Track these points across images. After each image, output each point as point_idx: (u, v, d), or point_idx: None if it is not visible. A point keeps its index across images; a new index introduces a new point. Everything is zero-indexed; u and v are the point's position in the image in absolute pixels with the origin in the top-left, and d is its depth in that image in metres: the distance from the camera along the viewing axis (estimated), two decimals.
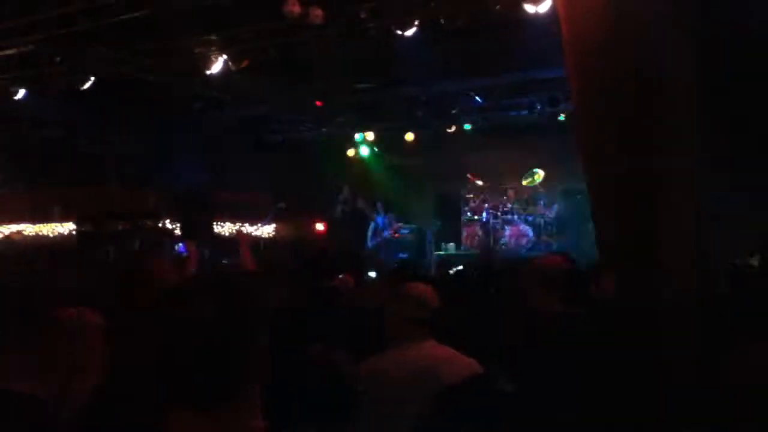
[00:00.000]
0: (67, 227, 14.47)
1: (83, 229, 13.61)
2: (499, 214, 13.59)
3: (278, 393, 1.87)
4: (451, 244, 14.12)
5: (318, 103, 13.73)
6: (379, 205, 14.29)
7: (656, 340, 3.00)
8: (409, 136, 14.73)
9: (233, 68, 9.35)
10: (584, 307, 2.99)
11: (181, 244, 8.59)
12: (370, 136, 15.06)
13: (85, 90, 10.09)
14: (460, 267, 8.08)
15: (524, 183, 13.88)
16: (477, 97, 13.45)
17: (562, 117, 12.92)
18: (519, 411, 1.16)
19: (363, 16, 8.09)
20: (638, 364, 2.66)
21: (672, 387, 2.88)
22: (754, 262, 6.99)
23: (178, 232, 13.48)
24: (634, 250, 3.39)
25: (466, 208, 14.03)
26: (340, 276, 5.14)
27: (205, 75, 9.55)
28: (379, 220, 14.06)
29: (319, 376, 1.98)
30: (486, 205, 13.73)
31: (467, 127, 14.13)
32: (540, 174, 13.70)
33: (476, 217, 13.86)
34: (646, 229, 3.40)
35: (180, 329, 1.23)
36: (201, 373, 1.21)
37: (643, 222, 3.43)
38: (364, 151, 15.49)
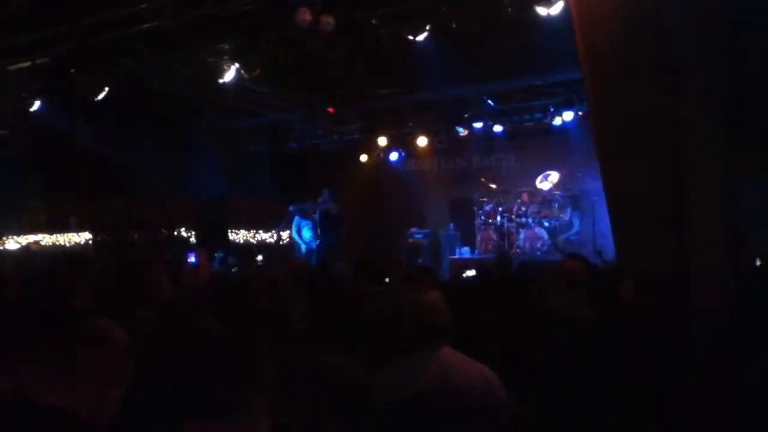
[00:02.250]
0: (84, 237, 14.57)
1: (99, 238, 13.70)
2: (513, 217, 13.51)
3: (291, 402, 1.86)
4: (466, 248, 14.06)
5: (330, 109, 13.75)
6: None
7: (688, 344, 2.95)
8: (423, 141, 14.72)
9: (246, 77, 9.38)
10: (614, 311, 2.93)
11: (193, 255, 8.56)
12: (383, 141, 15.05)
13: (101, 101, 10.17)
14: (473, 271, 8.00)
15: (539, 186, 13.79)
16: (490, 101, 13.42)
17: (576, 119, 12.85)
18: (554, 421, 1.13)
19: (374, 22, 8.09)
20: (673, 369, 2.61)
21: (705, 392, 2.83)
22: None
23: (194, 240, 13.53)
24: (660, 252, 3.33)
25: (481, 213, 13.96)
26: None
27: (219, 84, 9.59)
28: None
29: (331, 386, 1.98)
30: (500, 209, 13.66)
31: (480, 130, 14.09)
32: (555, 177, 13.61)
33: (491, 221, 13.79)
34: (671, 230, 3.34)
35: (188, 343, 1.24)
36: (209, 385, 1.22)
37: (667, 223, 3.37)
38: (378, 156, 15.47)
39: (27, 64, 9.49)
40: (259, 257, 13.28)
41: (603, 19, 3.76)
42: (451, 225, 14.67)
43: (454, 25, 7.91)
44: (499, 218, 13.64)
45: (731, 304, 3.26)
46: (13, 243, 15.32)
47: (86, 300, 4.36)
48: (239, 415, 1.23)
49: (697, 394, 2.74)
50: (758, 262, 7.67)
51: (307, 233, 13.20)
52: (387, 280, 5.51)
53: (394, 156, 15.64)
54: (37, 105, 10.68)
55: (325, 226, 13.21)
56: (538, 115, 13.48)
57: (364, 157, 15.66)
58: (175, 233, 13.40)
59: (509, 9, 7.64)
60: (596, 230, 12.43)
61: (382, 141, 15.03)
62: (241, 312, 1.32)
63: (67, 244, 14.89)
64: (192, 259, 8.39)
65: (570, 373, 2.29)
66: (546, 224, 13.26)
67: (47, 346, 1.70)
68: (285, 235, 15.05)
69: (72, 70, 9.66)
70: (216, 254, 10.77)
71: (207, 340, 1.24)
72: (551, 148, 13.84)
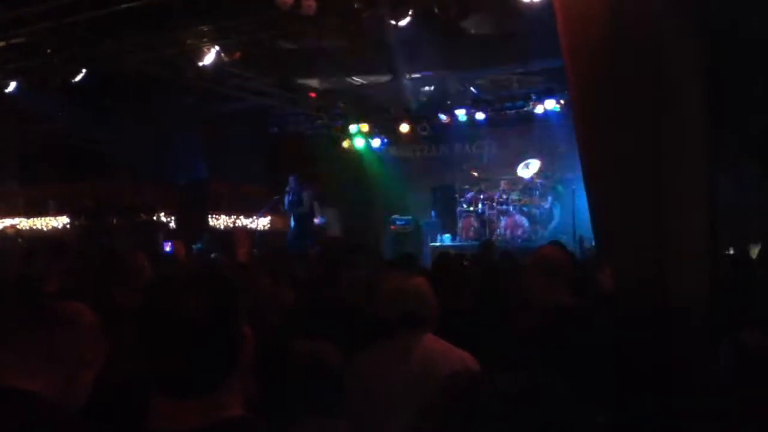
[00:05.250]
0: (62, 221, 14.40)
1: (77, 223, 13.53)
2: (494, 205, 13.57)
3: (265, 387, 1.85)
4: (447, 235, 14.09)
5: (312, 95, 13.66)
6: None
7: (666, 332, 2.98)
8: (404, 128, 14.68)
9: (226, 59, 9.27)
10: (591, 299, 2.95)
11: (168, 243, 8.42)
12: (365, 127, 14.99)
13: (80, 83, 10.00)
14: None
15: (520, 174, 13.85)
16: (472, 88, 13.41)
17: (557, 107, 12.89)
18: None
19: (356, 6, 8.02)
20: (651, 356, 2.63)
21: (683, 378, 2.86)
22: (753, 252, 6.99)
23: (173, 225, 13.42)
24: (638, 242, 3.36)
25: (462, 200, 13.99)
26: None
27: (198, 67, 9.47)
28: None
29: (303, 371, 1.98)
30: (482, 197, 13.70)
31: (462, 118, 14.08)
32: (536, 165, 13.67)
33: (472, 209, 13.83)
34: (650, 219, 3.36)
35: (167, 323, 1.25)
36: (186, 363, 1.23)
37: (647, 212, 3.39)
38: (359, 143, 15.43)
39: (2, 43, 9.31)
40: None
41: (585, 7, 3.75)
42: (433, 212, 14.69)
43: (436, 11, 7.86)
44: (480, 205, 13.68)
45: (709, 292, 3.30)
46: None
47: (62, 283, 4.31)
48: (213, 393, 1.25)
49: (675, 382, 2.77)
50: (731, 251, 7.82)
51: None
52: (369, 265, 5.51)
53: (376, 142, 15.60)
54: (13, 86, 10.48)
55: (298, 215, 13.13)
56: (519, 103, 13.50)
57: (346, 143, 15.60)
58: (155, 218, 13.26)
59: None
60: (576, 218, 12.50)
61: (364, 127, 14.97)
62: (222, 293, 1.32)
63: (45, 228, 14.71)
64: (168, 248, 8.26)
65: (546, 359, 2.30)
66: (526, 211, 13.33)
67: (15, 329, 1.69)
68: (264, 220, 15.00)
69: (49, 51, 9.48)
70: (194, 246, 10.61)
71: (187, 319, 1.25)
72: (533, 135, 13.90)
